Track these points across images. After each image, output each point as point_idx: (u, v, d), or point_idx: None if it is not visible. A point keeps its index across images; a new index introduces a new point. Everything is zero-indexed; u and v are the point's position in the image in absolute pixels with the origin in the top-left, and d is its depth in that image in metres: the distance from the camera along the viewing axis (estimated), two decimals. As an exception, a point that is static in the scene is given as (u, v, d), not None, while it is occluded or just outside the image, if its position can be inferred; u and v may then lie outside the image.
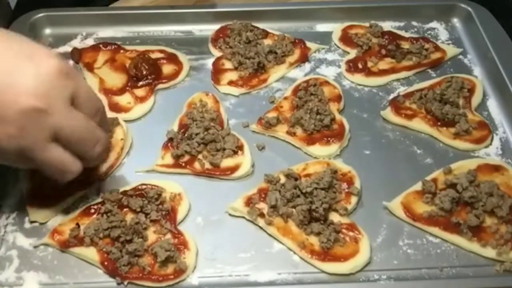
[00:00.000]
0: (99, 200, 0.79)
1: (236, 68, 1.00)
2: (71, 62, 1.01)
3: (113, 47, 1.02)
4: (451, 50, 1.05)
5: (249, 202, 0.79)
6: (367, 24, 1.08)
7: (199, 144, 0.85)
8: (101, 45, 1.03)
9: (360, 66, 1.00)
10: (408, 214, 0.78)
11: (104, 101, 0.94)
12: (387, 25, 1.10)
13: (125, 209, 0.77)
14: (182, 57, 1.02)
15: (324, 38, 1.07)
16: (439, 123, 0.90)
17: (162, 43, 1.05)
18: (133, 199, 0.77)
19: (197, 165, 0.84)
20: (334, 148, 0.87)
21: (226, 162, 0.85)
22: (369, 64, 1.00)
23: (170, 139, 0.87)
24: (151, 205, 0.77)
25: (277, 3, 1.15)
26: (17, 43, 0.61)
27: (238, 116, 0.94)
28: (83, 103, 0.65)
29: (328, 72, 1.01)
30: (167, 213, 0.77)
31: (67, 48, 1.05)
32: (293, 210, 0.77)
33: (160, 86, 0.98)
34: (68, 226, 0.76)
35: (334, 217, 0.77)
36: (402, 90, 0.98)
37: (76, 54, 1.00)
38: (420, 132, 0.91)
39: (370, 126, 0.92)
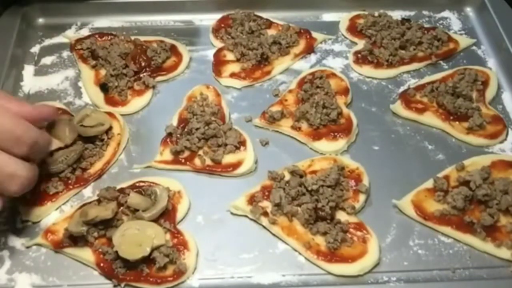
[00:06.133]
0: (95, 198, 0.76)
1: (238, 60, 0.97)
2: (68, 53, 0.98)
3: (109, 37, 0.99)
4: (464, 41, 1.01)
5: (252, 200, 0.76)
6: (376, 14, 1.04)
7: (199, 140, 0.82)
8: (96, 36, 1.00)
9: (368, 57, 0.97)
10: (419, 213, 0.76)
11: (100, 94, 0.91)
12: (396, 15, 1.06)
13: (122, 208, 0.74)
14: (182, 48, 0.99)
15: (331, 28, 1.04)
16: (451, 117, 0.87)
17: (161, 34, 1.02)
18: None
19: (197, 161, 0.82)
20: (341, 143, 0.84)
21: (228, 158, 0.82)
22: (378, 55, 0.97)
23: (169, 134, 0.84)
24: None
25: (282, -9, 1.11)
26: None
27: (241, 110, 0.91)
28: None
29: (335, 64, 0.98)
30: (166, 212, 0.74)
31: (61, 39, 1.02)
32: (298, 208, 0.74)
33: (159, 78, 0.95)
34: (62, 225, 0.73)
35: (341, 216, 0.75)
36: (412, 82, 0.95)
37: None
38: (431, 127, 0.88)
39: (379, 121, 0.89)
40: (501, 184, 0.75)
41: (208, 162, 0.81)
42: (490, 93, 0.92)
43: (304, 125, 0.86)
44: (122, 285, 0.69)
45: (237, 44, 0.97)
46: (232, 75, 0.95)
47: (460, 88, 0.88)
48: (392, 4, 1.07)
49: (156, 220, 0.73)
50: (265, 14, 1.04)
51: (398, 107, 0.90)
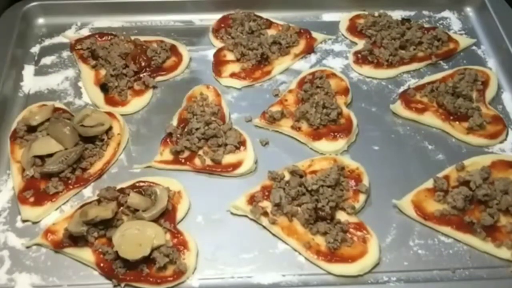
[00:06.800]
0: (95, 198, 0.76)
1: (238, 60, 0.97)
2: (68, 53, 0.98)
3: (109, 37, 0.99)
4: (464, 41, 1.01)
5: (252, 200, 0.76)
6: (376, 14, 1.04)
7: (199, 140, 0.82)
8: (96, 36, 1.00)
9: (368, 57, 0.97)
10: (419, 213, 0.76)
11: (100, 94, 0.91)
12: (396, 15, 1.06)
13: (122, 208, 0.74)
14: (182, 48, 0.99)
15: (331, 28, 1.04)
16: (451, 117, 0.87)
17: (161, 34, 1.02)
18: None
19: (197, 161, 0.81)
20: (341, 143, 0.84)
21: (228, 158, 0.82)
22: (378, 55, 0.97)
23: (169, 134, 0.84)
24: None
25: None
26: None
27: (241, 110, 0.90)
28: None
29: (335, 64, 0.98)
30: (166, 212, 0.74)
31: (61, 39, 1.02)
32: (298, 208, 0.74)
33: (159, 78, 0.95)
34: (62, 225, 0.73)
35: (341, 216, 0.75)
36: (412, 82, 0.95)
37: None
38: (431, 127, 0.88)
39: (379, 121, 0.89)
40: (501, 184, 0.75)
41: (208, 162, 0.81)
42: (490, 93, 0.92)
43: (304, 125, 0.86)
44: (122, 285, 0.69)
45: (237, 44, 0.97)
46: (232, 75, 0.95)
47: (460, 88, 0.88)
48: (392, 4, 1.07)
49: (156, 220, 0.73)
50: (265, 14, 1.04)
51: (398, 107, 0.90)
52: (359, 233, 0.73)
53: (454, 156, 0.84)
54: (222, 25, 1.03)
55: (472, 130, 0.86)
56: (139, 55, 0.94)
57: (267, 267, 0.71)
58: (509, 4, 1.04)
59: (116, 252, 0.68)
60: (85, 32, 1.03)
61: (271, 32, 1.01)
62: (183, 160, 0.82)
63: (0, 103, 0.88)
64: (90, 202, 0.75)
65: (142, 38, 0.99)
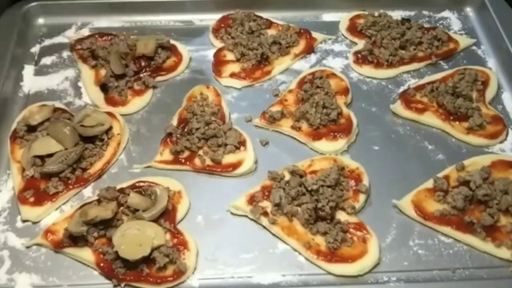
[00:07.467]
0: (95, 198, 0.76)
1: (238, 60, 0.97)
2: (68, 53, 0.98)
3: (109, 37, 0.99)
4: (464, 41, 1.01)
5: (252, 200, 0.76)
6: (376, 14, 1.04)
7: (199, 140, 0.82)
8: (96, 36, 1.00)
9: (368, 57, 0.97)
10: (419, 213, 0.76)
11: (100, 94, 0.91)
12: (396, 14, 1.06)
13: (122, 208, 0.74)
14: (182, 48, 0.99)
15: (331, 28, 1.04)
16: (451, 117, 0.87)
17: (161, 34, 1.01)
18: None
19: (197, 161, 0.81)
20: (341, 143, 0.84)
21: (228, 158, 0.82)
22: (378, 55, 0.97)
23: (169, 134, 0.84)
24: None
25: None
26: None
27: (241, 110, 0.90)
28: None
29: (335, 64, 0.98)
30: (166, 212, 0.74)
31: (61, 39, 1.02)
32: (298, 208, 0.74)
33: (159, 78, 0.95)
34: (62, 225, 0.73)
35: (341, 216, 0.75)
36: (412, 82, 0.95)
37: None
38: (431, 127, 0.88)
39: (379, 121, 0.89)
40: (501, 184, 0.75)
41: (208, 162, 0.81)
42: (490, 93, 0.92)
43: (304, 125, 0.86)
44: (122, 285, 0.69)
45: (237, 44, 0.97)
46: (232, 75, 0.95)
47: (460, 88, 0.88)
48: (392, 4, 1.07)
49: (156, 220, 0.73)
50: (265, 14, 1.04)
51: (398, 107, 0.90)
52: (359, 233, 0.73)
53: (454, 156, 0.84)
54: (222, 25, 1.03)
55: (472, 130, 0.86)
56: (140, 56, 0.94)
57: (267, 267, 0.71)
58: (509, 4, 1.04)
59: (116, 252, 0.68)
60: (85, 32, 1.03)
61: (271, 32, 1.01)
62: (183, 160, 0.82)
63: (0, 103, 0.88)
64: (90, 202, 0.75)
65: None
